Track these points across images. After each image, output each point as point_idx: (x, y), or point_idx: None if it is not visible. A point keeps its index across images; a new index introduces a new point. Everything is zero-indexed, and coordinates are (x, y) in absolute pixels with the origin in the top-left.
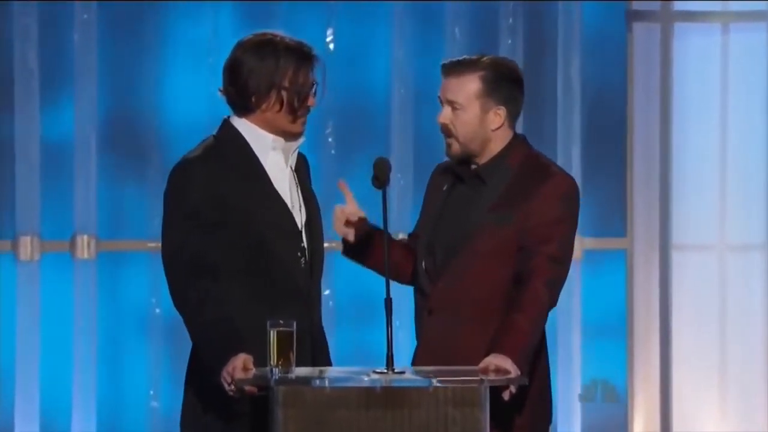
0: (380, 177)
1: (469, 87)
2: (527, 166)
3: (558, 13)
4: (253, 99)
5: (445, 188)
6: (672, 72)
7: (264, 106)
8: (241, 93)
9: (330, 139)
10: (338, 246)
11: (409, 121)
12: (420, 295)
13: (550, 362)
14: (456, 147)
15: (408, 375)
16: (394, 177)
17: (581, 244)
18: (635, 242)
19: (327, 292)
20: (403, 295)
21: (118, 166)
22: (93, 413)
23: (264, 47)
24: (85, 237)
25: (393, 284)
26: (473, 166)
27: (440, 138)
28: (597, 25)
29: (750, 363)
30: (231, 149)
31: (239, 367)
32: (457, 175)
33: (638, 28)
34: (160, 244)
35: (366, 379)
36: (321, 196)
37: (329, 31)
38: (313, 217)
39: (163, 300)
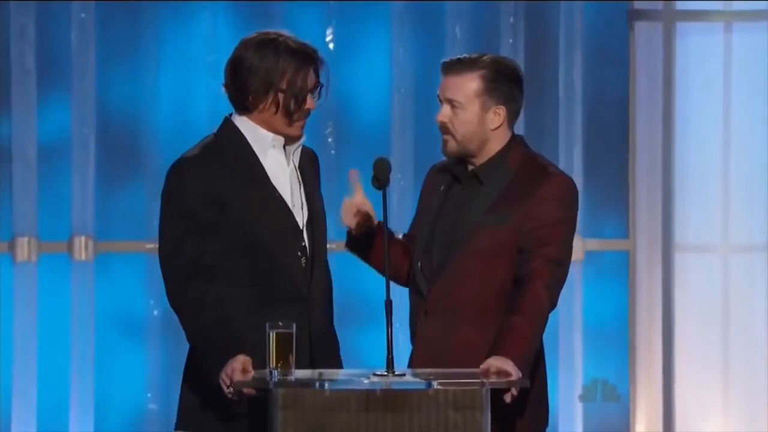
0: (380, 177)
1: (469, 86)
2: (526, 166)
3: (559, 12)
4: (251, 99)
5: (442, 189)
6: (674, 72)
7: (261, 107)
8: (240, 92)
9: (330, 140)
10: (339, 247)
11: (409, 121)
12: (416, 296)
13: (551, 364)
14: (453, 145)
15: (408, 377)
16: (394, 177)
17: (583, 245)
18: (638, 243)
19: None
20: (404, 297)
21: (116, 167)
22: (90, 415)
23: (265, 47)
24: (83, 238)
25: (393, 286)
26: (470, 167)
27: (440, 138)
28: (598, 25)
29: (753, 364)
30: (230, 148)
31: (238, 369)
32: (454, 176)
33: (640, 27)
34: (157, 245)
35: (366, 381)
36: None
37: (329, 31)
38: (315, 216)
39: (161, 301)
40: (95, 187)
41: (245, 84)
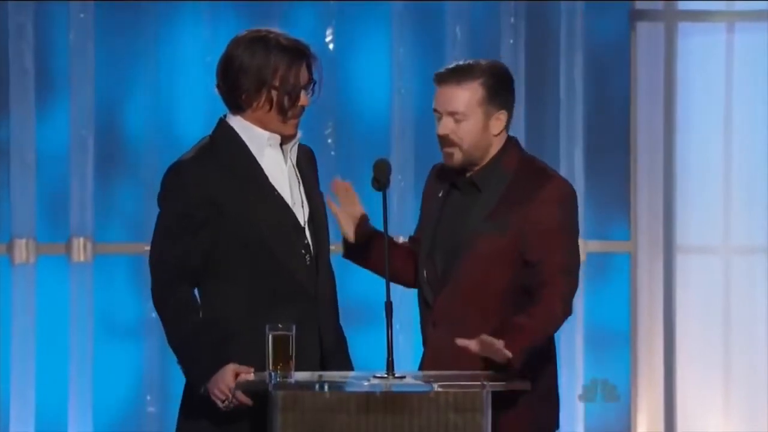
0: (380, 178)
1: (471, 95)
2: (523, 170)
3: (560, 12)
4: (244, 97)
5: (441, 194)
6: (676, 72)
7: (254, 105)
8: (232, 91)
9: (329, 140)
10: (338, 248)
11: (409, 122)
12: (424, 306)
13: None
14: (459, 157)
15: (408, 380)
16: (395, 178)
17: (585, 246)
18: (639, 245)
19: None
20: (404, 299)
21: (115, 168)
22: (89, 418)
23: (256, 44)
24: (81, 240)
25: (392, 288)
26: (468, 173)
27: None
28: (600, 25)
29: (754, 364)
30: (226, 148)
31: (232, 379)
32: (452, 182)
33: (641, 27)
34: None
35: (366, 383)
36: None
37: (329, 31)
38: (316, 212)
39: None
40: (94, 189)
41: (237, 83)
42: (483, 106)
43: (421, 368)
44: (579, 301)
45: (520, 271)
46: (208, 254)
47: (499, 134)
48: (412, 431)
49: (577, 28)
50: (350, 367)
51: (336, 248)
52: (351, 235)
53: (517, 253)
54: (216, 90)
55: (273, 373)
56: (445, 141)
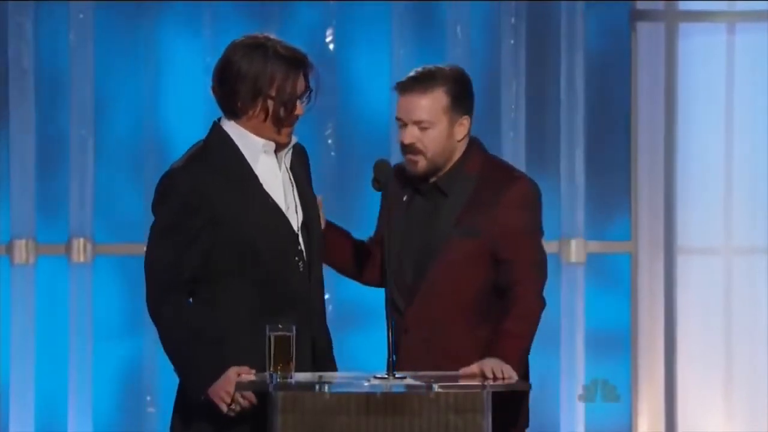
0: (380, 179)
1: (436, 103)
2: (487, 172)
3: (561, 12)
4: (239, 104)
5: (404, 199)
6: (676, 72)
7: (250, 113)
8: (228, 97)
9: (330, 141)
10: None
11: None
12: (395, 313)
13: (553, 365)
14: (423, 164)
15: (409, 380)
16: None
17: (585, 247)
18: (640, 245)
19: (327, 296)
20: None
21: (115, 169)
22: (89, 419)
23: (254, 51)
24: (81, 240)
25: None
26: (432, 179)
27: None
28: (600, 25)
29: (755, 365)
30: (220, 154)
31: (234, 382)
32: (415, 188)
33: (642, 27)
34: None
35: (366, 384)
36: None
37: (329, 31)
38: (310, 218)
39: None
40: (94, 189)
41: (233, 89)
42: (448, 114)
43: None
44: (579, 302)
45: (492, 272)
46: (203, 262)
47: (462, 139)
48: None
49: (577, 28)
50: (335, 371)
51: None
52: None
53: (489, 255)
54: (211, 92)
55: (273, 374)
56: (409, 149)
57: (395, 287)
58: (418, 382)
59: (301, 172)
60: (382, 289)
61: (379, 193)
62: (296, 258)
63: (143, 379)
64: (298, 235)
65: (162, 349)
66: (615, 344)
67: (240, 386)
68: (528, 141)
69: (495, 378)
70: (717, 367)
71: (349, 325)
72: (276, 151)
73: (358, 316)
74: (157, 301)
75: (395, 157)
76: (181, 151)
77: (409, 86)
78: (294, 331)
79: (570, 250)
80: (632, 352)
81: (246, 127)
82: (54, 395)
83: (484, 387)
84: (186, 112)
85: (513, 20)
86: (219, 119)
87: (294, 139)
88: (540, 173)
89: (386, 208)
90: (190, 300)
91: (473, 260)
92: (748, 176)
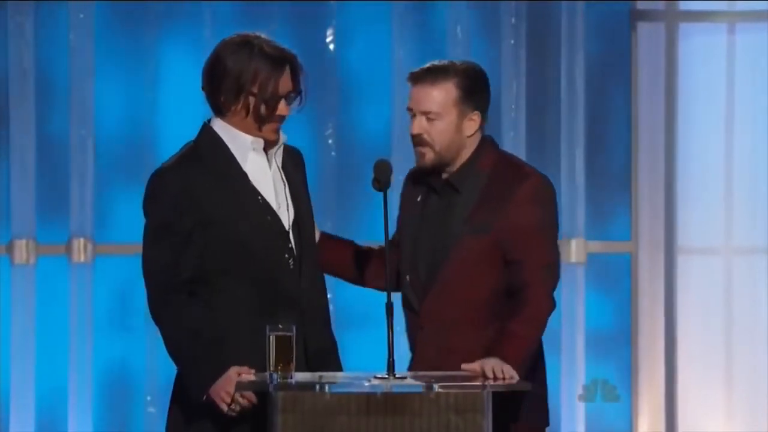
0: (381, 179)
1: (445, 95)
2: (499, 169)
3: (561, 13)
4: (222, 100)
5: (419, 199)
6: (677, 72)
7: (232, 110)
8: (213, 93)
9: (330, 141)
10: None
11: (410, 123)
12: (410, 311)
13: (553, 365)
14: (431, 156)
15: (409, 380)
16: (395, 179)
17: (585, 247)
18: (640, 245)
19: (329, 295)
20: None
21: (115, 169)
22: (89, 418)
23: (240, 49)
24: (82, 240)
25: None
26: (444, 175)
27: None
28: (601, 25)
29: (755, 365)
30: (209, 153)
31: (235, 382)
32: (429, 185)
33: (642, 27)
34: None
35: (367, 384)
36: (321, 197)
37: (329, 31)
38: (302, 216)
39: None
40: (94, 189)
41: (218, 86)
42: (457, 107)
43: (410, 371)
44: (580, 302)
45: (505, 271)
46: (199, 262)
47: (472, 135)
48: None
49: (577, 28)
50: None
51: None
52: None
53: (501, 253)
54: (202, 90)
55: (273, 374)
56: (417, 140)
57: (410, 285)
58: (418, 383)
59: (295, 175)
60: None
61: (380, 193)
62: (286, 256)
63: (143, 379)
64: (288, 233)
65: (162, 349)
66: (615, 344)
67: (240, 386)
68: (528, 141)
69: (495, 378)
70: (717, 366)
71: (349, 324)
72: (266, 149)
73: (358, 316)
74: (157, 303)
75: (395, 157)
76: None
77: (421, 77)
78: (294, 331)
79: (570, 250)
80: (632, 352)
81: (232, 125)
82: (54, 395)
83: (484, 387)
84: (186, 111)
85: (513, 20)
86: (209, 120)
87: (283, 138)
88: None
89: (386, 206)
90: (191, 300)
91: (486, 259)
92: (748, 176)
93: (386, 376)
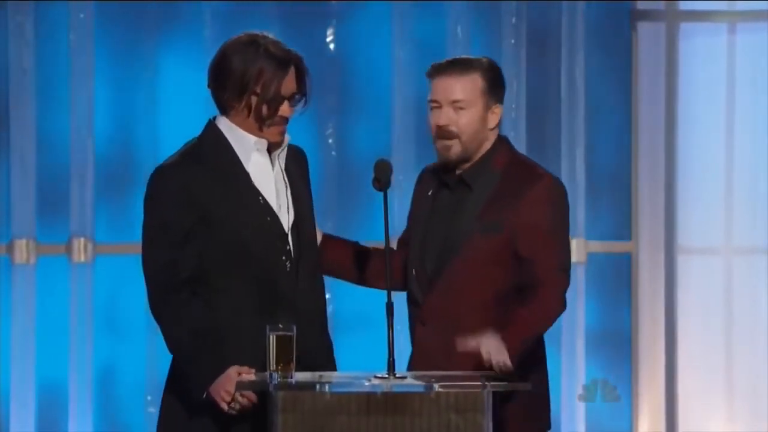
0: (381, 179)
1: (473, 85)
2: (513, 168)
3: (561, 12)
4: (226, 99)
5: (429, 194)
6: (677, 72)
7: (236, 108)
8: (217, 91)
9: (330, 140)
10: None
11: (410, 122)
12: (413, 305)
13: (554, 365)
14: (458, 149)
15: (409, 380)
16: (395, 178)
17: (585, 247)
18: (640, 245)
19: (328, 296)
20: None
21: (115, 168)
22: (89, 418)
23: (246, 48)
24: (82, 240)
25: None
26: (458, 171)
27: None
28: (601, 25)
29: (755, 365)
30: (212, 152)
31: (235, 381)
32: (441, 180)
33: (643, 27)
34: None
35: (367, 384)
36: (321, 197)
37: (329, 31)
38: (302, 218)
39: None
40: (94, 189)
41: (223, 84)
42: (483, 97)
43: (409, 368)
44: (580, 302)
45: (513, 271)
46: (198, 260)
47: (493, 129)
48: None
49: (578, 28)
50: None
51: None
52: None
53: (510, 252)
54: (207, 88)
55: (273, 374)
56: (443, 132)
57: (415, 278)
58: (418, 382)
59: (298, 176)
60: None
61: (380, 193)
62: (284, 258)
63: (143, 379)
64: (287, 235)
65: (162, 349)
66: (615, 344)
67: (240, 386)
68: (528, 141)
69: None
70: (717, 366)
71: (349, 326)
72: (270, 150)
73: (357, 318)
74: (157, 302)
75: (396, 157)
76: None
77: (447, 68)
78: (294, 331)
79: (571, 249)
80: (632, 352)
81: (236, 124)
82: (54, 395)
83: (484, 387)
84: (186, 111)
85: (513, 20)
86: (214, 117)
87: (287, 139)
88: None
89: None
90: (192, 298)
91: (495, 258)
92: (748, 176)
93: (386, 375)
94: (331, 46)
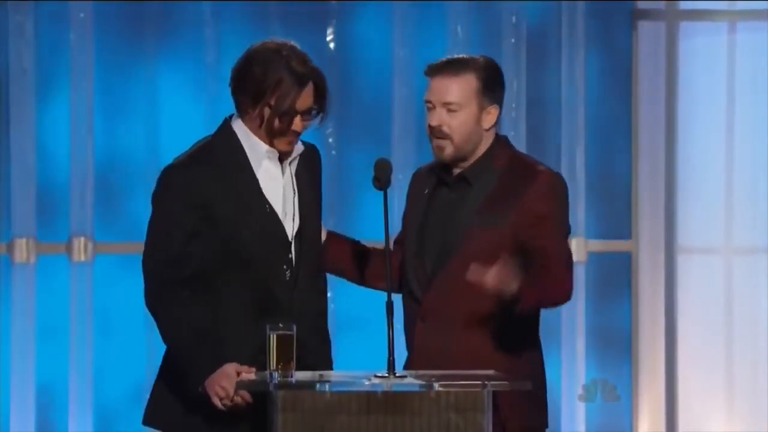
0: (381, 178)
1: (467, 86)
2: (513, 166)
3: (562, 11)
4: (242, 104)
5: (425, 192)
6: (677, 72)
7: (249, 114)
8: (236, 93)
9: (330, 140)
10: None
11: (410, 121)
12: (411, 302)
13: (554, 365)
14: (450, 150)
15: (409, 379)
16: (395, 177)
17: (586, 246)
18: (640, 245)
19: (329, 294)
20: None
21: (115, 168)
22: (90, 417)
23: (270, 57)
24: (82, 239)
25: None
26: (457, 170)
27: None
28: (601, 24)
29: (756, 364)
30: (224, 153)
31: (233, 378)
32: (439, 179)
33: (643, 26)
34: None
35: (367, 383)
36: (322, 197)
37: (329, 31)
38: (306, 227)
39: None
40: (94, 188)
41: (241, 88)
42: (477, 98)
43: (407, 366)
44: (580, 301)
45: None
46: (199, 261)
47: (489, 129)
48: (413, 431)
49: (578, 27)
50: None
51: None
52: None
53: (510, 247)
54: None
55: (273, 373)
56: (436, 132)
57: (414, 274)
58: (418, 381)
59: (307, 177)
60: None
61: (381, 192)
62: (284, 267)
63: (144, 379)
64: (291, 243)
65: (163, 349)
66: (615, 343)
67: (241, 385)
68: (528, 140)
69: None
70: (717, 366)
71: (348, 327)
72: (281, 159)
73: (359, 316)
74: (154, 297)
75: (396, 157)
76: (181, 150)
77: (441, 69)
78: (295, 330)
79: (571, 249)
80: (632, 351)
81: (250, 129)
82: (54, 394)
83: (484, 386)
84: (186, 111)
85: (514, 19)
86: (231, 117)
87: (300, 148)
88: None
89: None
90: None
91: (496, 253)
92: (748, 176)
93: (386, 375)
94: (331, 45)
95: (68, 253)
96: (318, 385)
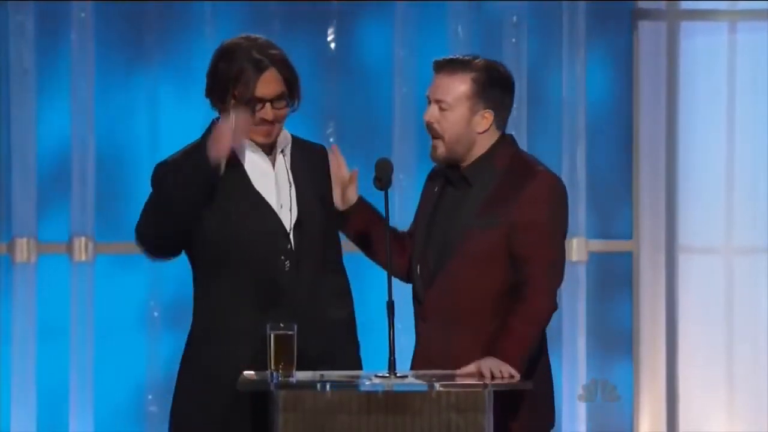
0: (382, 178)
1: (459, 88)
2: (513, 166)
3: (563, 11)
4: (214, 101)
5: (435, 190)
6: (678, 71)
7: (225, 112)
8: (207, 96)
9: (331, 140)
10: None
11: (411, 121)
12: (416, 302)
13: (554, 364)
14: (442, 149)
15: (410, 379)
16: (396, 177)
17: (587, 246)
18: (641, 244)
19: None
20: (406, 299)
21: (116, 167)
22: (90, 417)
23: (230, 51)
24: (83, 239)
25: (395, 288)
26: (460, 169)
27: None
28: (602, 24)
29: (756, 364)
30: None
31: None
32: (446, 178)
33: (644, 26)
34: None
35: (368, 383)
36: None
37: (330, 31)
38: (307, 218)
39: (161, 303)
40: (95, 188)
41: (210, 87)
42: (469, 101)
43: (412, 364)
44: (581, 301)
45: (511, 269)
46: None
47: (483, 132)
48: (413, 431)
49: (579, 27)
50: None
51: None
52: (337, 200)
53: (508, 249)
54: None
55: (274, 373)
56: (429, 129)
57: (419, 275)
58: (419, 381)
59: (309, 172)
60: (383, 289)
61: (381, 192)
62: (283, 257)
63: (144, 378)
64: (289, 233)
65: (162, 349)
66: (616, 343)
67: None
68: (529, 139)
69: (493, 377)
70: (718, 366)
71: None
72: (268, 150)
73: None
74: (141, 227)
75: (397, 157)
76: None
77: (441, 66)
78: (295, 330)
79: (571, 249)
80: (633, 351)
81: None
82: (55, 394)
83: (485, 386)
84: (186, 111)
85: (515, 19)
86: (218, 118)
87: (287, 138)
88: None
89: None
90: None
91: (493, 254)
92: (749, 176)
93: (387, 375)
94: (332, 45)
95: (69, 253)
96: (319, 385)
